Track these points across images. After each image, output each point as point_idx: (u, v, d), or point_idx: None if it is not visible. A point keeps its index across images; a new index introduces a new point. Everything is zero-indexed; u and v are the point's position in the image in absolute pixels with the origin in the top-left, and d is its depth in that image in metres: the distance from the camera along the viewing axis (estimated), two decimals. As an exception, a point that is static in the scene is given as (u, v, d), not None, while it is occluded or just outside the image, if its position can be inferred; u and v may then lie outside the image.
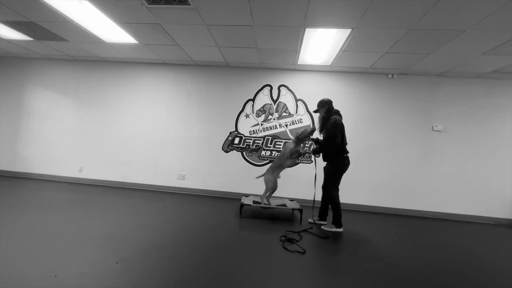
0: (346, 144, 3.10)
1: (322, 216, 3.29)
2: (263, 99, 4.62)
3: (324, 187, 3.21)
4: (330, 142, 2.96)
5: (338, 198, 3.04)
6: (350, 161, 3.07)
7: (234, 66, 4.62)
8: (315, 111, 3.29)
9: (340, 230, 3.04)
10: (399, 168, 4.36)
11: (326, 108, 3.15)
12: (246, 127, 4.64)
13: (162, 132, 4.76)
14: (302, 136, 3.26)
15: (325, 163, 3.20)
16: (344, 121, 2.98)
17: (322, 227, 3.13)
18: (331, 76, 4.51)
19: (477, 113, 4.24)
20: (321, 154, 3.22)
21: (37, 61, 5.06)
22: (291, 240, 2.57)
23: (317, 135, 3.43)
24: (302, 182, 4.37)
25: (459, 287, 1.93)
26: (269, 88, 4.62)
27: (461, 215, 4.19)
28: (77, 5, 2.84)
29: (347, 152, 3.06)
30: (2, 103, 5.10)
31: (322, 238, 2.77)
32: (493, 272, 2.24)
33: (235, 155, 4.63)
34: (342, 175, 3.08)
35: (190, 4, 2.65)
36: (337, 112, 3.16)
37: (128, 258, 1.98)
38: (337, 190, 3.08)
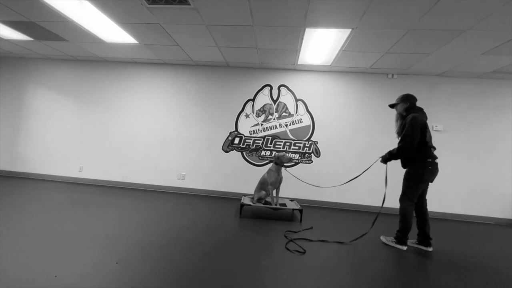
0: (432, 147, 2.53)
1: (421, 238, 2.63)
2: (263, 99, 4.62)
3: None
4: (401, 146, 2.51)
5: (409, 211, 2.53)
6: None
7: (234, 66, 4.62)
8: (391, 106, 2.76)
9: (403, 248, 2.56)
10: (398, 168, 4.34)
11: (406, 105, 2.59)
12: (246, 127, 4.63)
13: (162, 132, 4.76)
14: (279, 161, 3.40)
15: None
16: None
17: (382, 237, 2.80)
18: (331, 76, 4.51)
19: (477, 113, 4.24)
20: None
21: (37, 61, 5.06)
22: (291, 240, 2.57)
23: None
24: (302, 182, 4.36)
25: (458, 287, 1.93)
26: (269, 88, 4.62)
27: (461, 215, 4.19)
28: (77, 5, 2.84)
29: (433, 157, 2.49)
30: (2, 103, 5.10)
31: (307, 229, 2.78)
32: (493, 272, 2.24)
33: (235, 155, 4.63)
34: (421, 184, 2.53)
35: (190, 4, 2.65)
36: (420, 110, 2.58)
37: (128, 258, 1.98)
38: (411, 201, 2.55)
